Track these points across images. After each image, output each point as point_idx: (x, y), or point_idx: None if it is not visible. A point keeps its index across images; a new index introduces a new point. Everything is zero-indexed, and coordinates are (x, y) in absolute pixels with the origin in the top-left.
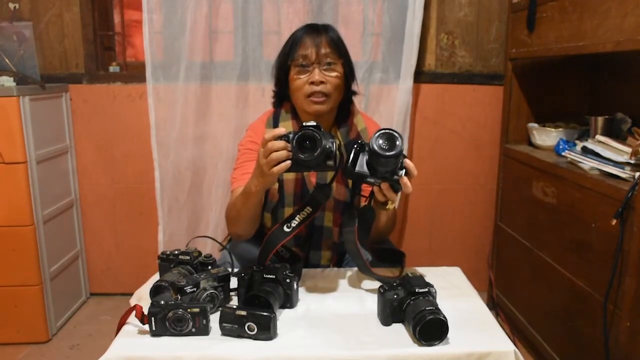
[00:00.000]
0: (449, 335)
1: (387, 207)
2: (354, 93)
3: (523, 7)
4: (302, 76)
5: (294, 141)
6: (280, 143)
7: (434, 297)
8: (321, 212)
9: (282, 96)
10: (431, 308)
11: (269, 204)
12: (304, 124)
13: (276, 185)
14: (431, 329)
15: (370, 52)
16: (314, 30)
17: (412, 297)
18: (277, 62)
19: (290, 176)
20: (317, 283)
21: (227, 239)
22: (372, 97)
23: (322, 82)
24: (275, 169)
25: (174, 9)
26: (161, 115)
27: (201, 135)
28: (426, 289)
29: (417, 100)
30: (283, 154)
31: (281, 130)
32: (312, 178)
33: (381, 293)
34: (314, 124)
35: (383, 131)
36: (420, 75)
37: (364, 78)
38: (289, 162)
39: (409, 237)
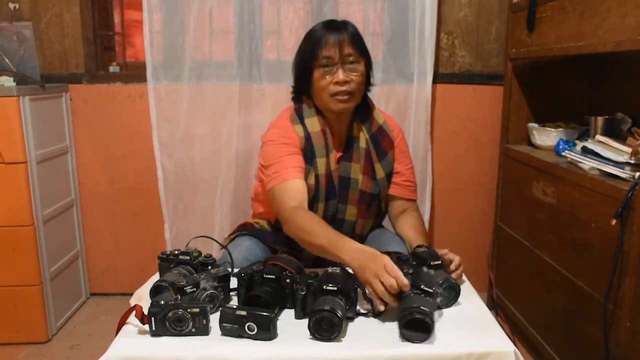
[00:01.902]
0: (448, 335)
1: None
2: (371, 86)
3: (523, 7)
4: (326, 77)
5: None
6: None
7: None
8: (343, 205)
9: (301, 92)
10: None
11: (320, 192)
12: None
13: (313, 181)
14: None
15: (370, 52)
16: (335, 28)
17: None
18: (299, 61)
19: (322, 171)
20: None
21: (229, 238)
22: (374, 97)
23: (346, 82)
24: (388, 300)
25: (174, 9)
26: (162, 115)
27: (202, 135)
28: (439, 262)
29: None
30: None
31: (406, 286)
32: (336, 173)
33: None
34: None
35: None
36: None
37: None
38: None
39: None
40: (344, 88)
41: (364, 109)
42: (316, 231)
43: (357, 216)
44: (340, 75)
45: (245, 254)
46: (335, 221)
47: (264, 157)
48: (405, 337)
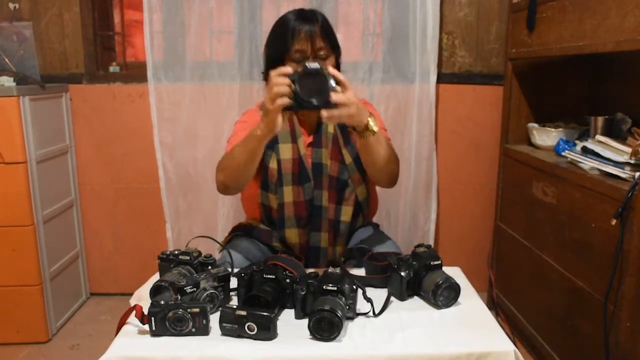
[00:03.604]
0: (449, 335)
1: (370, 129)
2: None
3: (523, 7)
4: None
5: (298, 81)
6: (285, 79)
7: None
8: (319, 190)
9: None
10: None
11: (270, 184)
12: (306, 65)
13: (275, 165)
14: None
15: (370, 52)
16: (307, 20)
17: (427, 270)
18: (270, 51)
19: (287, 155)
20: None
21: (228, 238)
22: (374, 97)
23: None
24: (278, 101)
25: (174, 9)
26: (163, 115)
27: (203, 135)
28: (439, 261)
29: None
30: (286, 89)
31: (287, 69)
32: (308, 159)
33: (395, 269)
34: (318, 66)
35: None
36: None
37: (364, 78)
38: (287, 99)
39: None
40: None
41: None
42: (232, 151)
43: (328, 201)
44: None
45: (244, 254)
46: (313, 208)
47: (229, 140)
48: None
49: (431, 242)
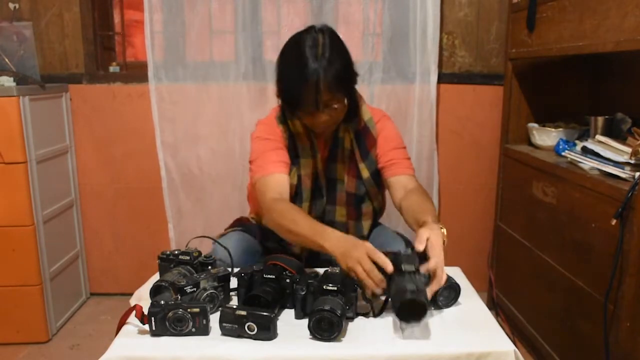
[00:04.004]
0: (449, 335)
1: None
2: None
3: (523, 7)
4: (306, 115)
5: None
6: (380, 281)
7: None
8: (331, 206)
9: None
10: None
11: (304, 191)
12: (406, 293)
13: (295, 180)
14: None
15: (371, 52)
16: (312, 79)
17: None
18: (282, 89)
19: (307, 171)
20: None
21: (224, 233)
22: (375, 97)
23: (326, 121)
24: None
25: (175, 9)
26: (164, 115)
27: (204, 135)
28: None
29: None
30: (379, 290)
31: (389, 268)
32: (323, 174)
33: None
34: (414, 295)
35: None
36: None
37: (364, 78)
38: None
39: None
40: (323, 125)
41: (351, 109)
42: (297, 219)
43: (347, 217)
44: (322, 118)
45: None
46: (325, 223)
47: (250, 152)
48: (402, 322)
49: None
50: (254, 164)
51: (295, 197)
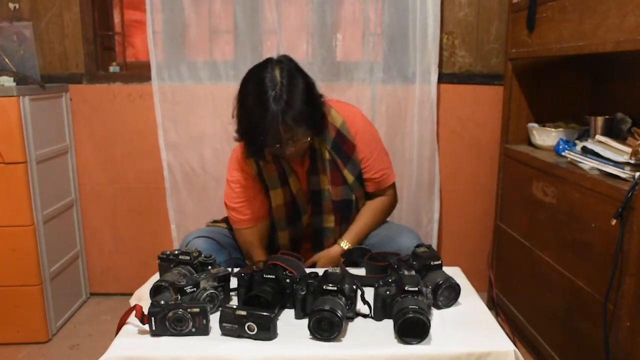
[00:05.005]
0: (449, 335)
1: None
2: (322, 104)
3: (523, 7)
4: (271, 150)
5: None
6: None
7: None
8: (318, 216)
9: None
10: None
11: (277, 222)
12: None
13: (270, 212)
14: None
15: (371, 52)
16: (273, 122)
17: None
18: (242, 137)
19: (279, 202)
20: None
21: (216, 224)
22: (377, 97)
23: (291, 152)
24: None
25: (176, 9)
26: (167, 115)
27: (205, 135)
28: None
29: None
30: None
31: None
32: (305, 189)
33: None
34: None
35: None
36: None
37: (365, 78)
38: None
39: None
40: (289, 156)
41: (318, 128)
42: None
43: (334, 223)
44: (288, 150)
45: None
46: (314, 231)
47: (225, 194)
48: (403, 341)
49: (434, 243)
50: (228, 211)
51: (273, 226)
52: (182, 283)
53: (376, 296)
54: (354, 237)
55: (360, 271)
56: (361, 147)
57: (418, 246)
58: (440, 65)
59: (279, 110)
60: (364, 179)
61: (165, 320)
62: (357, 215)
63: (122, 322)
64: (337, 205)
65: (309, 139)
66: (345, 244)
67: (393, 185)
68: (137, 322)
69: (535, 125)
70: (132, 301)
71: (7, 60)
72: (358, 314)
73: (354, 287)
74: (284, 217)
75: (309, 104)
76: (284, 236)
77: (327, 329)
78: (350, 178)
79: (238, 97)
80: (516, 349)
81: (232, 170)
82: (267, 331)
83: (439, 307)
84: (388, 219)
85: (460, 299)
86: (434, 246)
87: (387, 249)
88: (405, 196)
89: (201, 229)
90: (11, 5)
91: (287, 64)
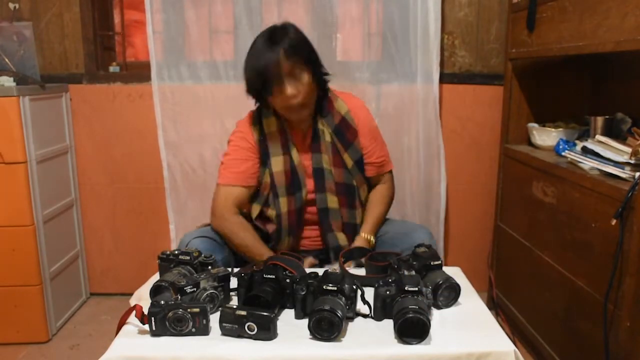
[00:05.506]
0: (449, 335)
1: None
2: (327, 81)
3: (523, 7)
4: (275, 94)
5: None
6: None
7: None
8: (322, 194)
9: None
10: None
11: (260, 196)
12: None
13: (268, 179)
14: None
15: (372, 52)
16: (273, 44)
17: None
18: (247, 82)
19: (279, 168)
20: None
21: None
22: (375, 97)
23: (294, 95)
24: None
25: (176, 9)
26: (167, 115)
27: (206, 135)
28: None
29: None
30: None
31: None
32: (308, 164)
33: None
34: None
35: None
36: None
37: (366, 78)
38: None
39: None
40: (293, 101)
41: (325, 104)
42: (242, 235)
43: (339, 204)
44: (288, 90)
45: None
46: (318, 210)
47: (224, 153)
48: (403, 341)
49: (442, 243)
50: (223, 167)
51: (271, 194)
52: (182, 283)
53: (376, 296)
54: (373, 228)
55: (360, 271)
56: (363, 135)
57: (418, 246)
58: (440, 65)
59: (278, 43)
60: (365, 163)
61: (165, 320)
62: (367, 206)
63: (122, 322)
64: (339, 188)
65: (310, 90)
66: (369, 236)
67: (391, 173)
68: (137, 322)
69: (535, 125)
70: (132, 301)
71: (7, 60)
72: (358, 314)
73: (354, 287)
74: (284, 185)
75: (306, 45)
76: (284, 203)
77: (327, 329)
78: (349, 162)
79: (248, 52)
80: (516, 349)
81: (235, 132)
82: (267, 331)
83: (439, 307)
84: (399, 217)
85: (460, 299)
86: (442, 246)
87: (401, 245)
88: (415, 197)
89: (199, 229)
90: (11, 5)
91: (290, 24)
